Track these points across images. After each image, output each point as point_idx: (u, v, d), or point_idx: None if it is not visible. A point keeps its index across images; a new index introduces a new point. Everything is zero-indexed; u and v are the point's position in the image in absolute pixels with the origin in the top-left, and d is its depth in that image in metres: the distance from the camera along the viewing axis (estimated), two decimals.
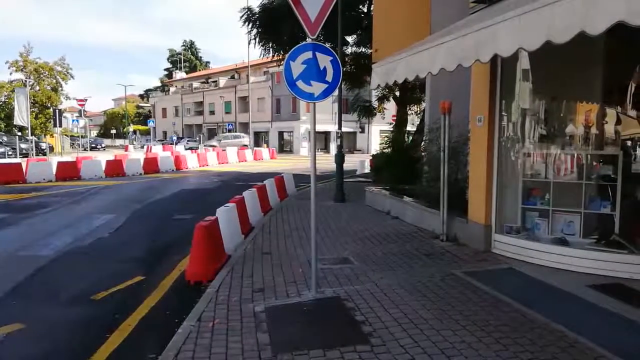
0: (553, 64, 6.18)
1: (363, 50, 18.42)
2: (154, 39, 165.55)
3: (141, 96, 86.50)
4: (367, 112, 19.22)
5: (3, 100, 40.62)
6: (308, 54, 4.97)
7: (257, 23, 17.90)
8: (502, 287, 5.19)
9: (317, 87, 5.00)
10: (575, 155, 6.50)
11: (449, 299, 4.85)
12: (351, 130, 45.03)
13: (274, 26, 16.86)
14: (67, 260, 7.09)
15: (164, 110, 70.71)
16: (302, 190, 14.45)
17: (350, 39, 18.51)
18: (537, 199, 6.54)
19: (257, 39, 18.31)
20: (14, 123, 34.62)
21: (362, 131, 47.91)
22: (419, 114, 18.28)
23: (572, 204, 6.23)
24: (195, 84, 67.72)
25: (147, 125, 65.40)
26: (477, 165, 6.90)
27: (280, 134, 51.32)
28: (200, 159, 27.86)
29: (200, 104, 62.78)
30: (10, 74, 41.54)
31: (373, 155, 16.64)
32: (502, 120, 6.68)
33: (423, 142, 10.92)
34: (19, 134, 35.19)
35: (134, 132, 66.46)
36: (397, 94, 17.48)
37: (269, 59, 20.03)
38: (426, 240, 7.66)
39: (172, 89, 74.92)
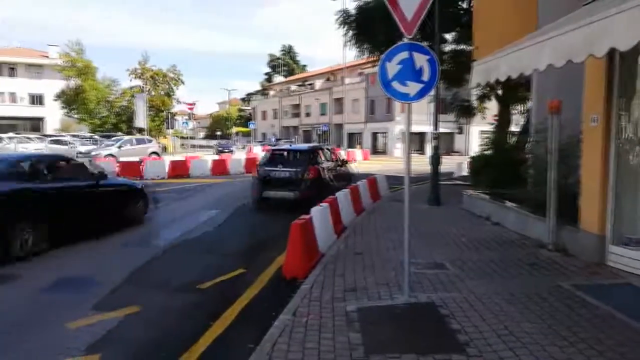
0: None
1: (463, 47, 17.73)
2: (255, 46, 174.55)
3: (243, 100, 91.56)
4: (466, 112, 18.44)
5: (125, 104, 45.34)
6: (404, 54, 4.92)
7: (353, 25, 18.03)
8: (617, 303, 4.69)
9: (412, 87, 4.93)
10: None
11: (555, 313, 4.51)
12: (448, 131, 43.47)
13: (369, 27, 16.85)
14: (178, 251, 7.74)
15: (264, 112, 74.22)
16: (395, 192, 14.29)
17: (449, 36, 17.92)
18: None
19: (353, 41, 18.44)
20: (134, 125, 38.65)
21: (461, 132, 46.12)
22: (524, 113, 17.16)
23: None
24: (293, 87, 70.15)
25: (247, 127, 69.15)
26: (591, 169, 6.31)
27: (374, 134, 51.23)
28: None
29: (297, 106, 64.85)
30: (130, 80, 46.33)
31: (472, 157, 15.92)
32: (620, 120, 6.02)
33: (528, 144, 10.23)
34: (138, 135, 39.08)
35: (237, 133, 70.53)
36: (500, 92, 16.57)
37: (364, 60, 20.06)
38: (530, 248, 7.17)
39: (271, 93, 78.36)
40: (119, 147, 28.26)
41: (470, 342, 3.91)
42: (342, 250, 7.18)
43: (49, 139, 31.20)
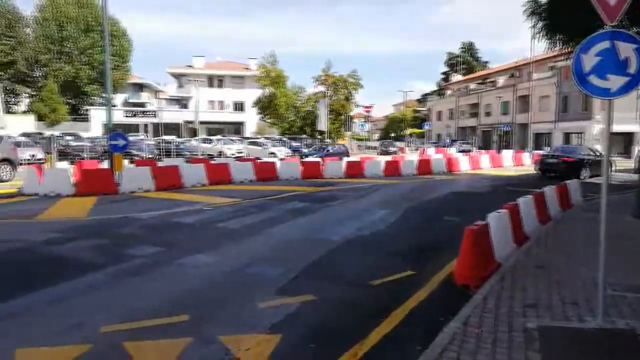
0: None
1: None
2: (432, 45, 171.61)
3: (419, 101, 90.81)
4: None
5: (309, 109, 49.15)
6: (604, 44, 4.34)
7: (543, 15, 16.37)
8: None
9: (614, 81, 4.32)
10: None
11: None
12: None
13: (563, 15, 15.10)
14: (351, 247, 8.13)
15: (439, 113, 72.45)
16: (590, 202, 12.53)
17: None
18: None
19: (543, 32, 16.75)
20: (316, 128, 41.70)
21: None
22: None
23: None
24: (472, 86, 66.81)
25: (422, 129, 68.42)
26: None
27: (567, 135, 45.57)
28: (472, 162, 27.44)
29: (475, 105, 61.57)
30: (315, 87, 49.95)
31: None
32: None
33: None
34: (319, 137, 42.04)
35: (410, 134, 70.40)
36: None
37: (555, 53, 18.11)
38: None
39: (448, 92, 76.00)
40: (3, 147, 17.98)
41: None
42: (522, 262, 6.63)
43: (247, 140, 35.80)
